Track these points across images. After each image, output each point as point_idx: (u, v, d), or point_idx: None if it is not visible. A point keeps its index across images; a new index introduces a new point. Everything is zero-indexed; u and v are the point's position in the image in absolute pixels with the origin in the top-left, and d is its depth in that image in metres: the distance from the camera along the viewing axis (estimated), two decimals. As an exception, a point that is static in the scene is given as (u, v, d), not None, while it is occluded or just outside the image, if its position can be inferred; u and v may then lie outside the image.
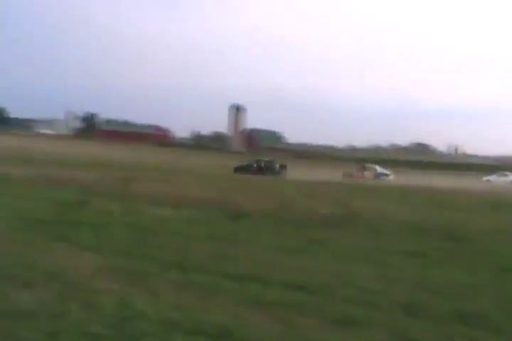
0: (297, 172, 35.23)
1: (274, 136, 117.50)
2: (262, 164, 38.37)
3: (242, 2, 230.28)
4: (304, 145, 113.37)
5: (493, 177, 49.81)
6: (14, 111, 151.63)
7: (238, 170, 36.46)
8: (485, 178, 49.68)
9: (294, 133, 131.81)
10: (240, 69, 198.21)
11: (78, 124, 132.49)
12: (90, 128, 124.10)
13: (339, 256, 7.69)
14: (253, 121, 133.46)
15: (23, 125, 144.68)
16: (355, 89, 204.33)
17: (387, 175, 43.78)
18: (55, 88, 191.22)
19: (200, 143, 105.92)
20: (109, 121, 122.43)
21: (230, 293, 5.37)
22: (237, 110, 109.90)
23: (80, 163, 26.50)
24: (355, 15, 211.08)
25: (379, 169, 44.91)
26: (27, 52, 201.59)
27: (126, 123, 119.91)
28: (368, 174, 42.97)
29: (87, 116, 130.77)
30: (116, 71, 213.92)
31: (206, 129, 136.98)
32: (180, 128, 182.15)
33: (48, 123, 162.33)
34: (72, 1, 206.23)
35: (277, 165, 38.53)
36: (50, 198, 12.05)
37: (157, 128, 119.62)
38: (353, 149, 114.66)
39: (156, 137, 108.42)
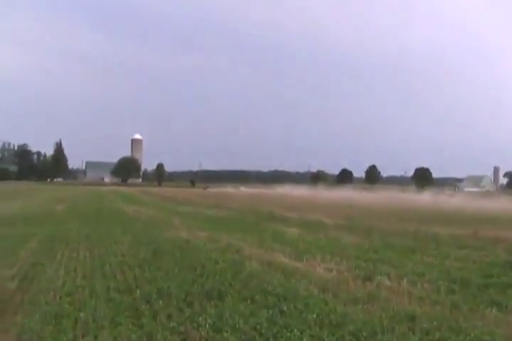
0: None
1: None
2: None
3: None
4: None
5: None
6: (438, 171, 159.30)
7: None
8: None
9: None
10: None
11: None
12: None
13: None
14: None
15: (448, 184, 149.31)
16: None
17: None
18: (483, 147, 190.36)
19: None
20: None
21: None
22: None
23: (506, 219, 24.77)
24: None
25: None
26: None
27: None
28: None
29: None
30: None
31: None
32: None
33: (474, 180, 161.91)
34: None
35: None
36: (477, 259, 11.75)
37: None
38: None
39: None
